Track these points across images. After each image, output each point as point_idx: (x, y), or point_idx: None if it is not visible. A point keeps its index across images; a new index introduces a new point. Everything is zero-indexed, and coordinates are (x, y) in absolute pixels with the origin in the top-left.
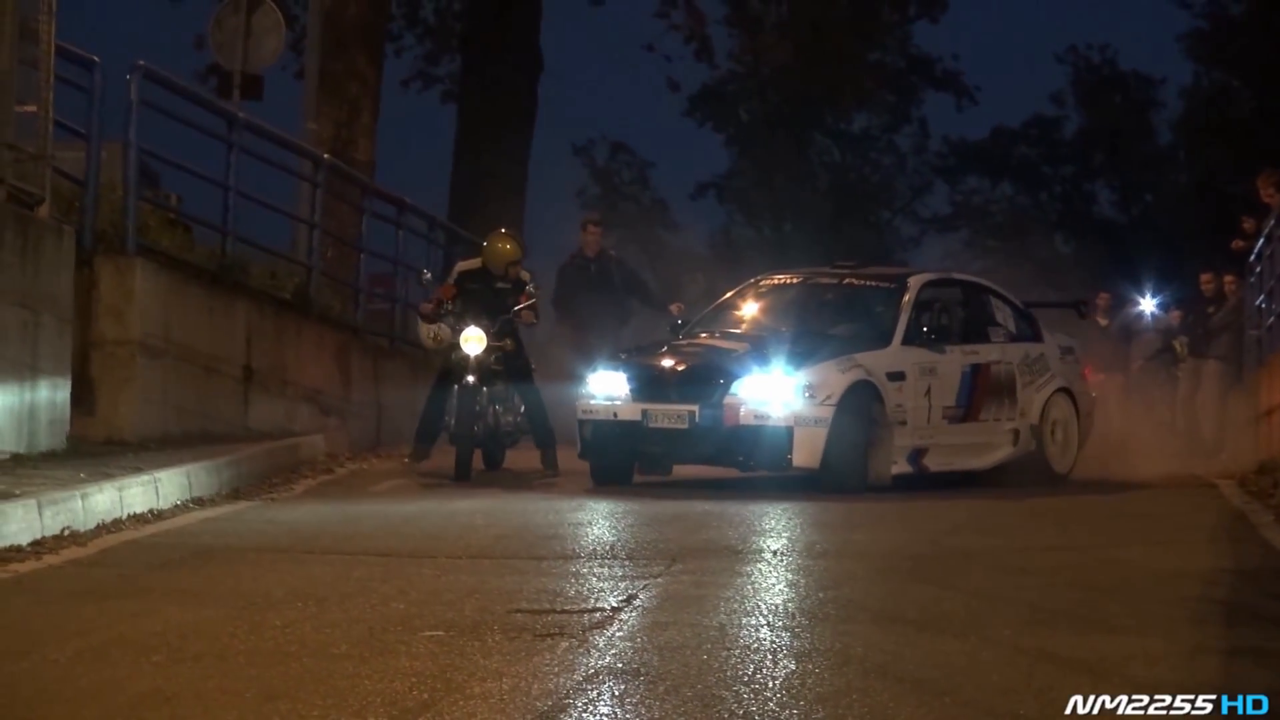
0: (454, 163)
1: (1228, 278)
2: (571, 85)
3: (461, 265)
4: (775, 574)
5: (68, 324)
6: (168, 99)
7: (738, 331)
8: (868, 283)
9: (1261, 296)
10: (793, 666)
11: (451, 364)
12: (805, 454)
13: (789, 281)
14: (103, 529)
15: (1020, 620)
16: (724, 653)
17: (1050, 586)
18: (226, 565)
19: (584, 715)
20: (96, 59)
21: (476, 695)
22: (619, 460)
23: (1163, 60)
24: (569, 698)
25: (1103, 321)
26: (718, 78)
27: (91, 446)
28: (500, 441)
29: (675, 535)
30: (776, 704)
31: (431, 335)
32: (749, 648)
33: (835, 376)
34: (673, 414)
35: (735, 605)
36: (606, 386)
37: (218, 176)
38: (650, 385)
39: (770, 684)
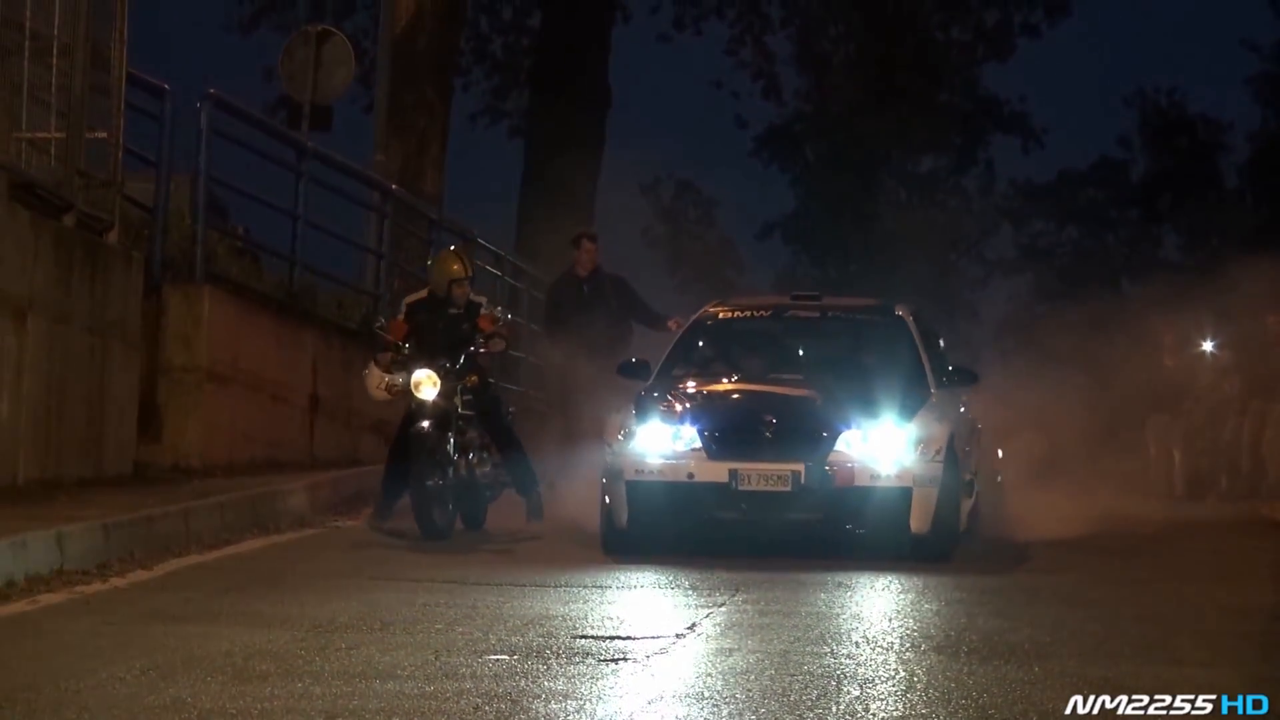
0: (520, 197)
1: None
2: (639, 122)
3: (409, 298)
4: (839, 603)
5: (135, 350)
6: (238, 128)
7: (773, 373)
8: (859, 316)
9: None
10: (856, 693)
11: (412, 412)
12: (921, 518)
13: (755, 315)
14: (168, 553)
15: (1085, 651)
16: (787, 678)
17: (1116, 619)
18: (292, 590)
19: None
20: (167, 87)
21: (541, 716)
22: (684, 531)
23: (1231, 103)
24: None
25: (1169, 363)
26: (785, 117)
27: (158, 472)
28: (479, 496)
29: (740, 565)
30: None
31: (383, 385)
32: (812, 674)
33: (938, 428)
34: (771, 474)
35: (799, 633)
36: (664, 441)
37: (286, 206)
38: (734, 439)
39: (833, 709)
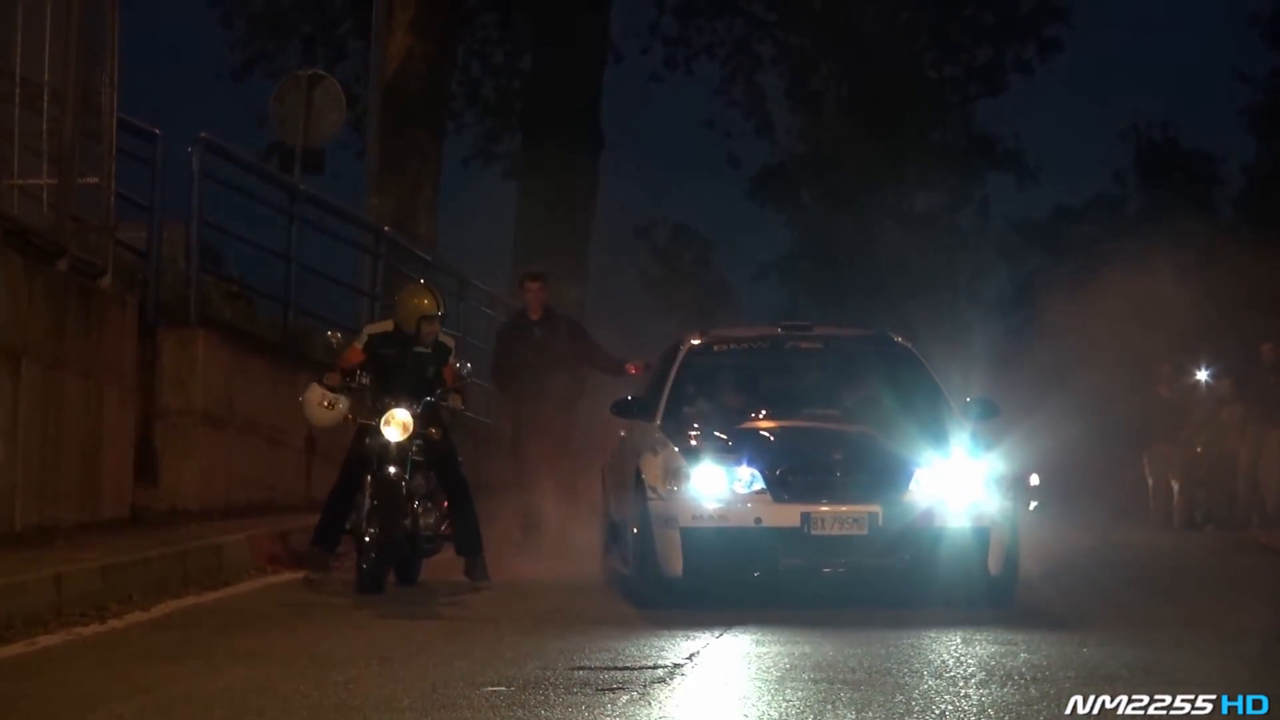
0: (515, 240)
1: None
2: (634, 164)
3: (371, 328)
4: (839, 634)
5: (130, 394)
6: (230, 172)
7: (807, 408)
8: (863, 346)
9: None
10: (852, 717)
11: (365, 451)
12: (997, 559)
13: (754, 346)
14: (165, 595)
15: (1082, 674)
16: (784, 704)
17: (1112, 643)
18: (290, 628)
19: None
20: (158, 131)
21: None
22: (744, 580)
23: (1224, 136)
24: None
25: (1164, 393)
26: (778, 157)
27: (154, 516)
28: (419, 549)
29: (739, 597)
30: None
31: (325, 402)
32: (809, 700)
33: (1003, 464)
34: (847, 517)
35: (796, 660)
36: (722, 484)
37: (279, 250)
38: (804, 480)
39: None
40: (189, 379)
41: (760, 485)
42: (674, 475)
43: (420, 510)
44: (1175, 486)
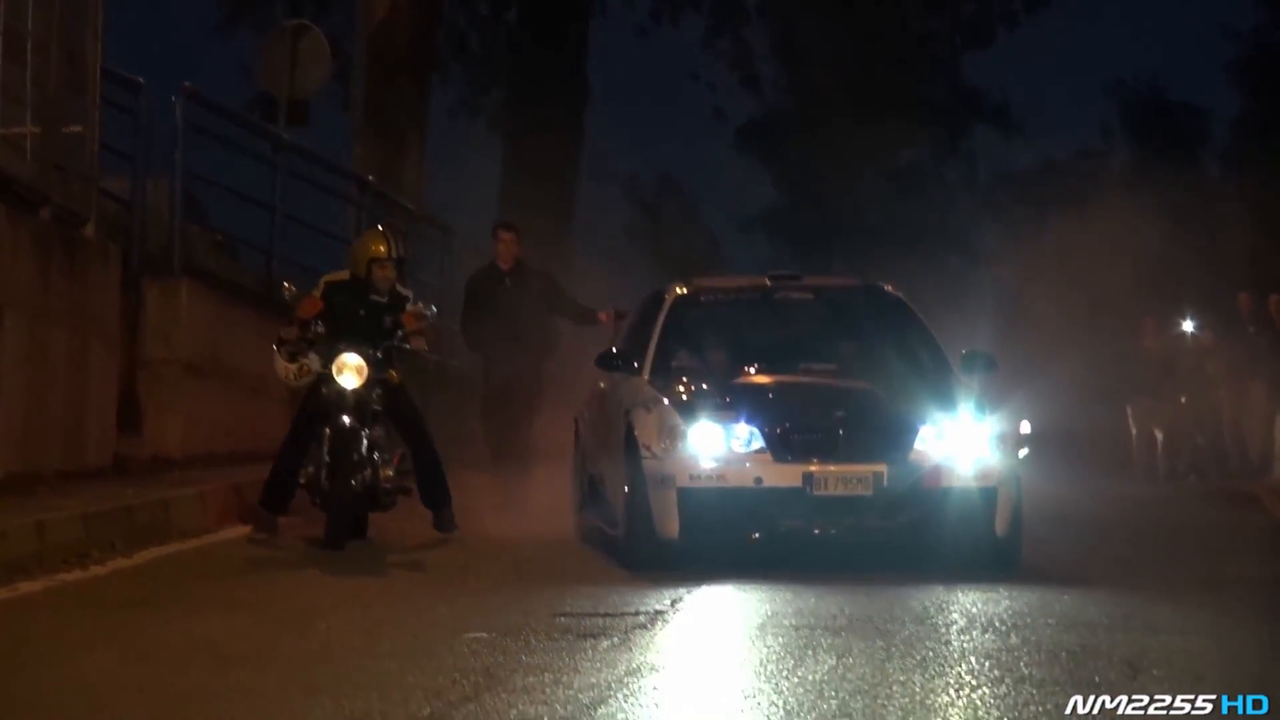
0: (500, 192)
1: (1273, 298)
2: (621, 117)
3: (328, 277)
4: (822, 585)
5: (114, 343)
6: (214, 123)
7: (804, 363)
8: (855, 297)
9: None
10: (832, 662)
11: (319, 401)
12: (1004, 520)
13: (742, 297)
14: (148, 542)
15: (1063, 622)
16: (764, 649)
17: (1093, 591)
18: (272, 577)
19: (625, 706)
20: (142, 81)
21: (519, 689)
22: (742, 539)
23: (1211, 90)
24: (610, 690)
25: (1149, 345)
26: (765, 110)
27: (138, 465)
28: (378, 502)
29: (732, 558)
30: (816, 694)
31: (293, 374)
32: (789, 646)
33: (1010, 423)
34: (851, 476)
35: (778, 609)
36: (719, 443)
37: (264, 201)
38: (805, 439)
39: (810, 678)
40: (173, 329)
41: (760, 444)
42: (670, 433)
43: (382, 463)
44: (1159, 438)
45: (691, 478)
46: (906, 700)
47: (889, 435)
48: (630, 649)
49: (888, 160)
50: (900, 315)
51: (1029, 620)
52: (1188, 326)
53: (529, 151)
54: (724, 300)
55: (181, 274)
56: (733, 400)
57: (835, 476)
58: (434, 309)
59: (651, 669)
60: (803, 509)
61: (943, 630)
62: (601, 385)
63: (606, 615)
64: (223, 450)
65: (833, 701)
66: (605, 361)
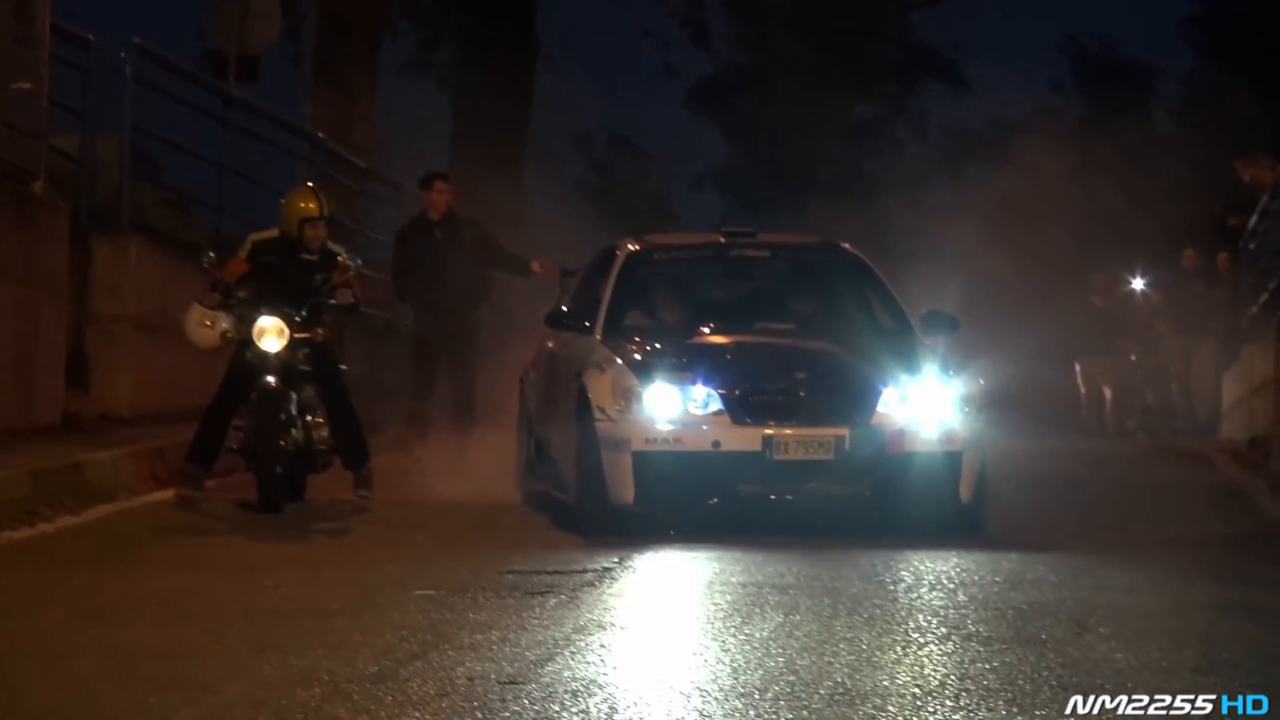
0: (450, 149)
1: (1221, 255)
2: (572, 73)
3: (256, 236)
4: (768, 539)
5: (63, 300)
6: (165, 80)
7: (761, 322)
8: (813, 255)
9: (1255, 274)
10: (780, 619)
11: (244, 364)
12: (969, 485)
13: (696, 254)
14: (97, 500)
15: (1010, 579)
16: (712, 607)
17: (1042, 549)
18: (221, 534)
19: (572, 663)
20: (92, 38)
21: (465, 646)
22: (698, 504)
23: (1163, 48)
24: (558, 647)
25: (1099, 303)
26: (718, 69)
27: (87, 422)
28: (312, 463)
29: (684, 512)
30: (763, 651)
31: (207, 321)
32: (736, 604)
33: (974, 385)
34: (812, 440)
35: (725, 567)
36: (676, 405)
37: (214, 157)
38: (764, 401)
39: (757, 635)
40: (122, 285)
41: (718, 406)
42: (625, 395)
43: (313, 424)
44: (1108, 395)
45: (647, 441)
46: (853, 657)
47: (851, 398)
48: (578, 607)
49: (839, 117)
50: (859, 273)
51: (977, 578)
52: (1137, 284)
53: (479, 108)
54: (678, 257)
55: (131, 230)
56: (689, 361)
57: (796, 440)
58: (358, 260)
59: (599, 626)
60: (762, 474)
61: (890, 588)
62: (550, 345)
63: (554, 573)
64: (173, 407)
65: (779, 659)
66: (555, 320)
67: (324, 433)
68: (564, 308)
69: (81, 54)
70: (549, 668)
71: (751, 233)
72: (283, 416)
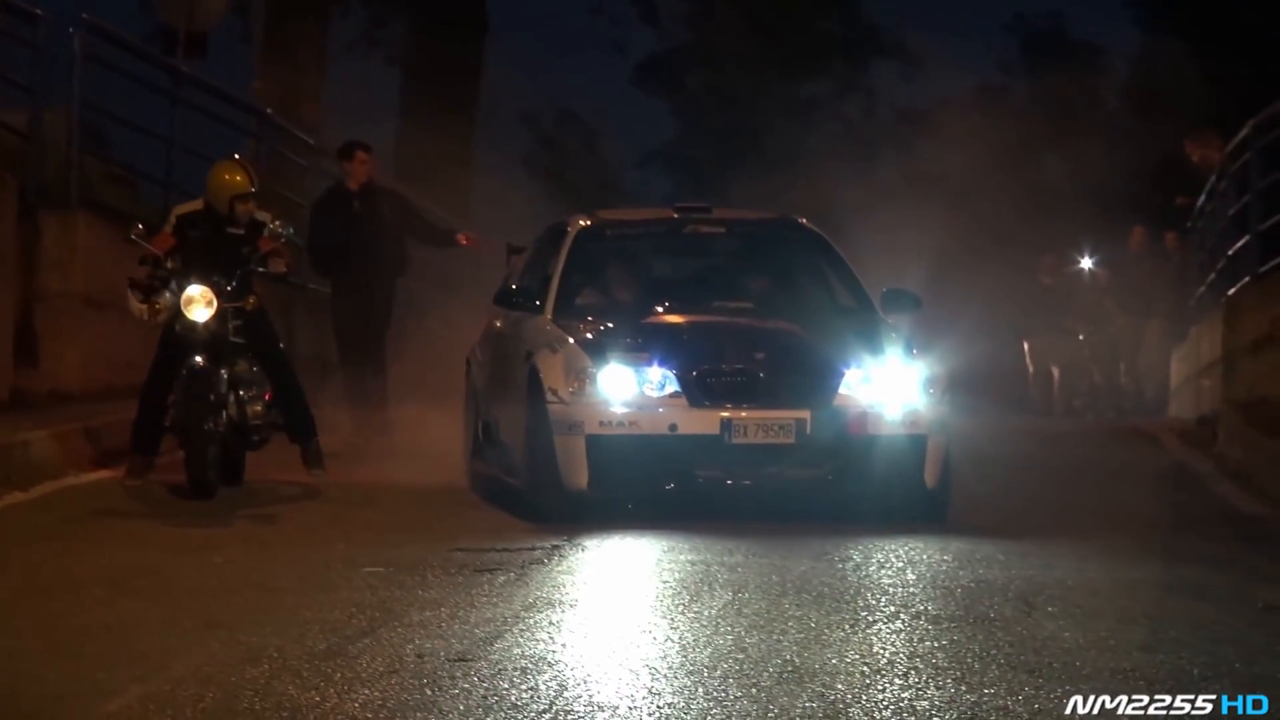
0: (399, 126)
1: (1169, 235)
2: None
3: (179, 208)
4: (720, 521)
5: (10, 276)
6: (114, 55)
7: (718, 300)
8: (770, 231)
9: (1203, 254)
10: (728, 597)
11: (175, 337)
12: (933, 470)
13: (649, 231)
14: (44, 476)
15: (959, 557)
16: (661, 585)
17: (990, 528)
18: (170, 511)
19: (521, 640)
20: (40, 12)
21: (415, 623)
22: (655, 489)
23: (1111, 28)
24: (506, 625)
25: (1047, 282)
26: (665, 45)
27: (35, 398)
28: (247, 441)
29: (639, 497)
30: (712, 629)
31: (148, 314)
32: (685, 581)
33: (940, 368)
34: (772, 424)
35: (674, 544)
36: (631, 387)
37: (162, 133)
38: (723, 383)
39: (707, 612)
40: (70, 261)
41: (674, 388)
42: (578, 376)
43: (245, 398)
44: (1056, 374)
45: (601, 424)
46: (802, 635)
47: (812, 379)
48: (527, 584)
49: (786, 94)
50: (818, 250)
51: (926, 557)
52: (1086, 263)
53: (427, 84)
54: (631, 233)
55: (79, 206)
56: (644, 341)
57: (755, 423)
58: (291, 228)
59: (548, 604)
60: (721, 458)
61: (838, 566)
62: (498, 324)
63: (503, 550)
64: (122, 384)
65: (728, 637)
66: (504, 299)
67: (259, 408)
68: (513, 286)
69: (30, 29)
70: (498, 645)
71: (707, 208)
72: (211, 397)
